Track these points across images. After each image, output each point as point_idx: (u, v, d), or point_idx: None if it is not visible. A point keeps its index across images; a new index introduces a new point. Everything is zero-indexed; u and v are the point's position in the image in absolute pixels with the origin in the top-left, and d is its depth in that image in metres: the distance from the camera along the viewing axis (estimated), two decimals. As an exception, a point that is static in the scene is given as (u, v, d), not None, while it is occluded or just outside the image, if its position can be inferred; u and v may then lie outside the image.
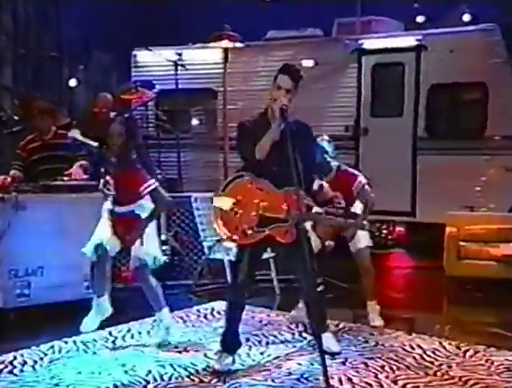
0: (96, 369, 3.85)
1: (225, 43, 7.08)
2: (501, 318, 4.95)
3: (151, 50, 7.98)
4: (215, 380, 3.70)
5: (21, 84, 8.14)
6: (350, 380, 3.70)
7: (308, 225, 4.19)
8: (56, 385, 3.64)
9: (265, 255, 4.98)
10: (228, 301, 3.93)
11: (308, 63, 7.88)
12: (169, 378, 3.74)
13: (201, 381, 3.69)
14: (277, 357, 4.07)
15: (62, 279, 4.81)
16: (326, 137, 4.85)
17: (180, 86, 7.56)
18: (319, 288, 4.08)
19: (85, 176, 5.15)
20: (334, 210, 4.03)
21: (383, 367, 3.90)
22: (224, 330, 3.91)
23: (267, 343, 4.34)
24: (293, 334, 4.55)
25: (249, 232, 3.68)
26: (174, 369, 3.87)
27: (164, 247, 5.99)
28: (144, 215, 4.25)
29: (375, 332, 4.56)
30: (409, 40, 7.73)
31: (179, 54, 8.47)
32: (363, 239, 4.78)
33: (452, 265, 6.08)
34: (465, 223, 6.29)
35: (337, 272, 5.55)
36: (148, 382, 3.68)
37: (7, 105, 7.26)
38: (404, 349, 4.21)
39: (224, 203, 3.71)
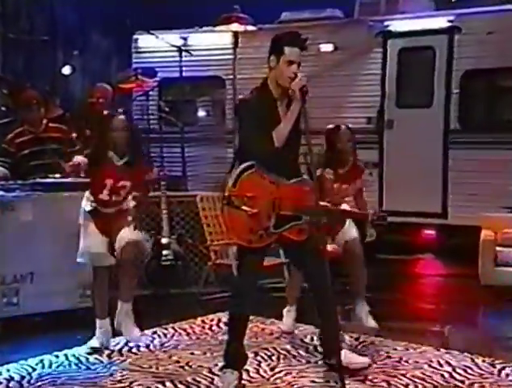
0: (89, 385, 3.88)
1: (235, 26, 7.13)
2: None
3: (154, 34, 8.02)
4: (219, 398, 3.73)
5: (10, 71, 8.21)
6: (370, 400, 3.72)
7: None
8: (46, 403, 3.69)
9: (276, 261, 5.01)
10: (231, 311, 3.87)
11: (326, 48, 7.89)
12: (170, 396, 3.77)
13: (204, 400, 3.73)
14: (289, 373, 4.08)
15: (54, 286, 4.85)
16: (344, 127, 4.88)
17: (185, 74, 7.60)
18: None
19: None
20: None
21: (407, 386, 3.89)
22: (226, 343, 3.90)
23: (278, 358, 4.35)
24: (307, 348, 4.55)
25: (265, 234, 3.61)
26: (175, 386, 3.89)
27: (166, 252, 6.05)
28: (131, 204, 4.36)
29: (399, 347, 4.55)
30: (441, 21, 7.69)
31: (184, 39, 8.53)
32: (351, 229, 4.77)
33: (488, 273, 6.05)
34: (503, 226, 6.26)
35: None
36: (146, 400, 3.72)
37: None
38: (431, 366, 4.20)
39: (237, 201, 3.55)
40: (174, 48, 7.71)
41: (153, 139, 7.84)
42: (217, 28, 7.45)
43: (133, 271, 4.47)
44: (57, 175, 5.09)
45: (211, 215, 6.07)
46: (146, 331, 4.82)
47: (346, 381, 3.63)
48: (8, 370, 4.09)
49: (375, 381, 3.95)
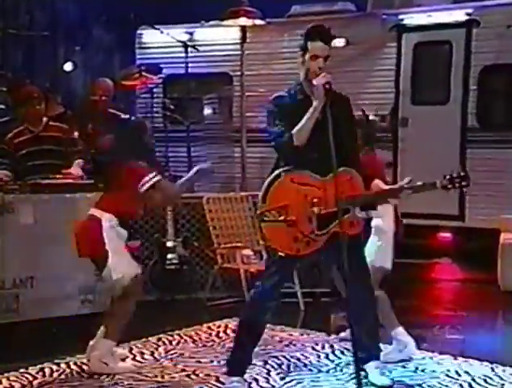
0: (92, 394, 3.90)
1: (243, 20, 7.13)
2: None
3: (158, 29, 8.03)
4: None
5: (9, 68, 8.22)
6: (384, 411, 3.70)
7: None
8: (46, 413, 3.69)
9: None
10: (246, 319, 3.83)
11: (338, 42, 7.83)
12: (175, 406, 3.78)
13: (211, 410, 3.72)
14: (300, 383, 4.06)
15: (55, 291, 4.86)
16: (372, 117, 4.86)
17: (191, 71, 7.60)
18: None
19: (81, 173, 5.21)
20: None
21: (424, 396, 3.89)
22: (233, 350, 3.88)
23: (289, 367, 4.33)
24: (319, 356, 4.54)
25: (313, 236, 3.56)
26: (181, 396, 3.90)
27: (171, 255, 6.05)
28: None
29: (415, 356, 4.52)
30: (458, 15, 7.66)
31: (190, 34, 8.53)
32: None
33: (508, 278, 6.02)
34: (523, 229, 6.24)
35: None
36: (150, 411, 3.72)
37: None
38: (448, 375, 4.17)
39: (271, 216, 3.55)
40: (180, 44, 7.71)
41: (157, 138, 7.83)
42: (224, 23, 7.46)
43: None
44: (58, 176, 5.10)
45: (217, 217, 6.08)
46: (150, 339, 4.82)
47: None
48: (8, 379, 4.09)
49: (391, 391, 3.94)
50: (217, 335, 5.02)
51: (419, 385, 4.02)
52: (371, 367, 3.91)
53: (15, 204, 4.82)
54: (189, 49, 7.56)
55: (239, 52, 7.36)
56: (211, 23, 8.42)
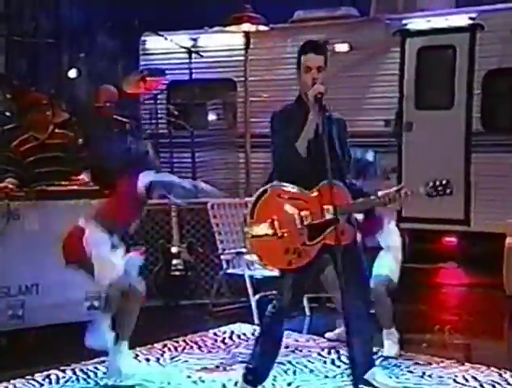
0: (98, 401, 3.90)
1: (246, 26, 7.13)
2: None
3: (162, 35, 8.05)
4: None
5: (14, 75, 8.25)
6: (391, 417, 3.69)
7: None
8: (52, 420, 3.70)
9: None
10: (263, 329, 3.85)
11: (342, 48, 7.87)
12: (182, 413, 3.77)
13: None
14: (306, 389, 4.06)
15: (60, 298, 4.86)
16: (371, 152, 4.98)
17: (195, 76, 7.61)
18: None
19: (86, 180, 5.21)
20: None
21: (431, 402, 3.88)
22: (252, 357, 3.85)
23: (295, 373, 4.33)
24: (325, 362, 4.53)
25: (303, 248, 3.60)
26: (187, 402, 3.89)
27: (176, 261, 6.05)
28: None
29: (421, 361, 4.51)
30: (462, 19, 7.65)
31: (194, 40, 8.55)
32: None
33: (513, 282, 6.00)
34: (529, 233, 6.21)
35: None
36: (156, 417, 3.72)
37: (-2, 99, 7.37)
38: (456, 381, 4.16)
39: (260, 230, 3.60)
40: (184, 50, 7.73)
41: (161, 144, 7.84)
42: (228, 29, 7.46)
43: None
44: (64, 183, 5.11)
45: (222, 223, 6.08)
46: (156, 345, 4.82)
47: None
48: (14, 386, 4.10)
49: (397, 396, 3.93)
50: (223, 341, 5.02)
51: (426, 390, 4.03)
52: (375, 373, 3.90)
53: (21, 211, 4.83)
54: (193, 55, 7.58)
55: (243, 58, 7.36)
56: (215, 29, 8.44)
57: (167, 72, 8.21)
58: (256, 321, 5.24)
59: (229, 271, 5.86)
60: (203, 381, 4.19)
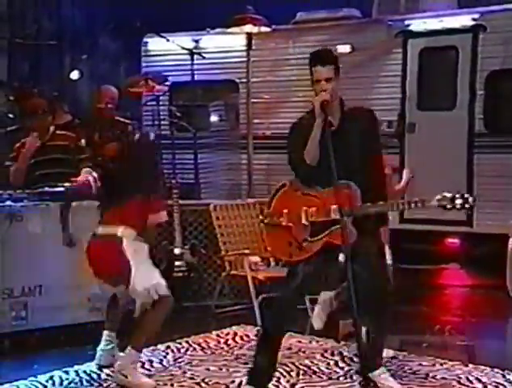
0: (101, 403, 3.90)
1: (249, 27, 7.14)
2: None
3: (164, 37, 8.05)
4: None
5: (16, 77, 8.27)
6: (395, 418, 3.68)
7: None
8: (56, 422, 3.70)
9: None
10: (267, 328, 3.88)
11: (344, 49, 7.86)
12: (185, 414, 3.77)
13: (221, 418, 3.71)
14: (309, 391, 4.06)
15: (63, 300, 4.87)
16: None
17: (197, 78, 7.60)
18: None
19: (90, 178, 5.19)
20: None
21: (434, 403, 3.87)
22: (254, 358, 3.86)
23: (298, 374, 4.32)
24: (328, 363, 4.53)
25: (304, 244, 3.72)
26: (191, 404, 3.89)
27: (178, 263, 6.05)
28: None
29: (425, 362, 4.51)
30: (464, 20, 7.65)
31: (196, 41, 8.56)
32: None
33: (517, 284, 5.98)
34: (532, 234, 6.19)
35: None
36: (160, 419, 3.72)
37: (0, 101, 7.38)
38: (460, 382, 4.16)
39: (272, 219, 3.81)
40: (186, 51, 7.73)
41: (164, 145, 7.85)
42: (230, 30, 7.47)
43: None
44: (66, 184, 5.11)
45: (225, 224, 6.08)
46: (159, 346, 4.82)
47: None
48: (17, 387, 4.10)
49: (401, 398, 3.93)
50: (226, 343, 5.01)
51: (429, 391, 4.02)
52: (381, 374, 3.90)
53: (23, 213, 4.83)
54: (195, 57, 7.57)
55: (245, 59, 7.37)
56: (217, 30, 8.44)
57: (169, 73, 8.21)
58: (259, 322, 5.24)
59: (232, 272, 5.86)
60: (206, 383, 4.19)
